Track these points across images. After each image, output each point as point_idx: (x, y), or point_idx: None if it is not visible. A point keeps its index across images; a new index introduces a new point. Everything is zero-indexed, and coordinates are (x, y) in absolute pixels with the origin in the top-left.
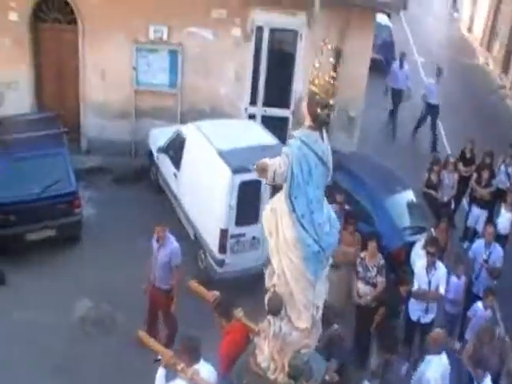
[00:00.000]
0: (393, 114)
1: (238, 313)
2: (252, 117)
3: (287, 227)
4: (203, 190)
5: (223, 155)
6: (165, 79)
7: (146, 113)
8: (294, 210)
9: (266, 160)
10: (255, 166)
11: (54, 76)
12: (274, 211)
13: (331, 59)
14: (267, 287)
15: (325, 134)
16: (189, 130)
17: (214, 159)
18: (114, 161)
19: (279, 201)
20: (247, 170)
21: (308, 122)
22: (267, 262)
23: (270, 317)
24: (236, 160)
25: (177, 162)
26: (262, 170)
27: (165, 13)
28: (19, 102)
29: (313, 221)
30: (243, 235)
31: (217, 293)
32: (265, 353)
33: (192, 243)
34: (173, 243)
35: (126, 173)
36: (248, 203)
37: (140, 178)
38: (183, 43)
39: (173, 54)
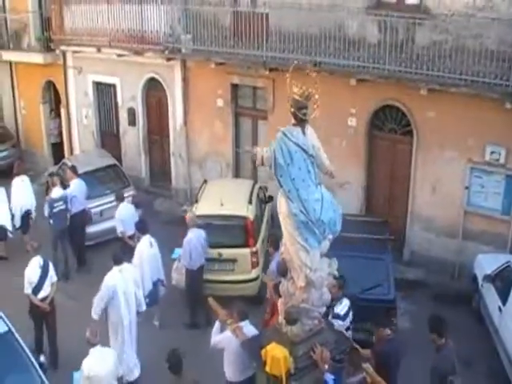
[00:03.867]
0: None
1: None
2: None
3: (282, 202)
4: None
5: None
6: (498, 204)
7: (474, 235)
8: (281, 186)
9: (258, 148)
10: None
11: (384, 182)
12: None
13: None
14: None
15: (308, 131)
16: None
17: None
18: (434, 277)
19: None
20: None
21: (292, 121)
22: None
23: (282, 279)
24: None
25: (504, 295)
26: (252, 153)
27: (503, 134)
28: (349, 202)
29: (299, 196)
30: None
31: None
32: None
33: None
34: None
35: (446, 292)
36: None
37: (461, 302)
38: None
39: (510, 179)
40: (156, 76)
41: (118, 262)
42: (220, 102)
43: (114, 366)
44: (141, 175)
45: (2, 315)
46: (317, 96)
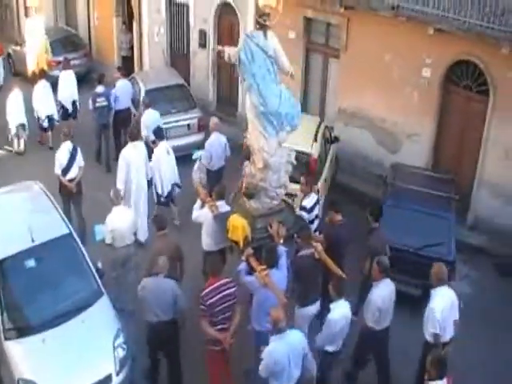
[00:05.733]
0: None
1: None
2: None
3: (247, 95)
4: None
5: None
6: None
7: None
8: (244, 80)
9: (226, 47)
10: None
11: (455, 139)
12: None
13: None
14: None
15: (269, 35)
16: None
17: None
18: (497, 246)
19: None
20: None
21: (257, 26)
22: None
23: (246, 162)
24: None
25: None
26: (222, 52)
27: None
28: (416, 154)
29: (259, 91)
30: None
31: None
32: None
33: None
34: None
35: (508, 264)
36: None
37: None
38: None
39: None
40: (230, 0)
41: (133, 138)
42: (292, 34)
43: (133, 223)
44: (208, 98)
45: (64, 218)
46: (280, 7)
